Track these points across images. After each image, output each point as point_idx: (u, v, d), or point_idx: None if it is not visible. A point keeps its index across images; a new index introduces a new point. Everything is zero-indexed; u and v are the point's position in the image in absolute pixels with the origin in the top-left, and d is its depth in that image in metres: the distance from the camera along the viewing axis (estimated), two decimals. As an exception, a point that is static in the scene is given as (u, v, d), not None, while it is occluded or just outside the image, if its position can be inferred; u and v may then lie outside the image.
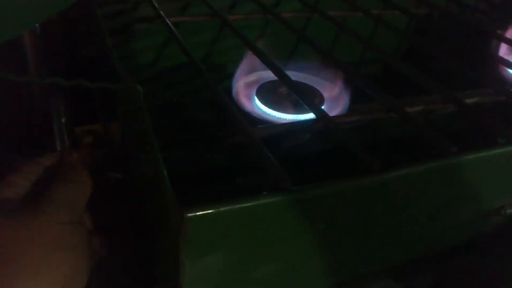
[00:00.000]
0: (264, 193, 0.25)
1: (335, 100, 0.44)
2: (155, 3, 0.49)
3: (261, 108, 0.43)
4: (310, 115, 0.41)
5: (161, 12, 0.47)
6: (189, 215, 0.23)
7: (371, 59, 0.68)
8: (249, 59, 0.46)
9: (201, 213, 0.23)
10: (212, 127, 0.34)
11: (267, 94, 0.44)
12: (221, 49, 0.59)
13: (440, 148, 0.30)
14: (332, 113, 0.42)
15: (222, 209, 0.24)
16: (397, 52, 0.70)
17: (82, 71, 0.56)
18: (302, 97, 0.36)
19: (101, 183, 0.35)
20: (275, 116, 0.42)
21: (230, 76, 0.46)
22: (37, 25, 0.52)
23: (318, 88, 0.46)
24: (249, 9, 0.56)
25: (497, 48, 0.55)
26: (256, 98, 0.43)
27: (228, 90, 0.44)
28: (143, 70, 0.56)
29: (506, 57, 0.57)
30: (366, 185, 0.27)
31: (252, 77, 0.46)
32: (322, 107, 0.43)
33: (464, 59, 0.55)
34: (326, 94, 0.45)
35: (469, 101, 0.40)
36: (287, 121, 0.41)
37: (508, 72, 0.52)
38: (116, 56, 0.52)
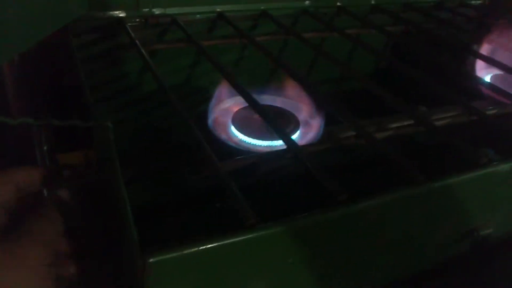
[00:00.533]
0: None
1: (310, 124, 0.44)
2: (131, 32, 0.49)
3: (237, 135, 0.43)
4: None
5: (136, 41, 0.47)
6: (151, 260, 0.23)
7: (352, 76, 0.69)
8: (225, 85, 0.46)
9: (163, 257, 0.23)
10: (191, 152, 0.34)
11: (244, 120, 0.44)
12: (201, 72, 0.59)
13: (408, 177, 0.31)
14: (307, 137, 0.43)
15: (186, 251, 0.24)
16: (377, 69, 0.71)
17: (62, 99, 0.56)
18: (273, 124, 0.37)
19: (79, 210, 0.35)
20: (251, 144, 0.42)
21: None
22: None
23: (295, 112, 0.46)
24: (227, 31, 0.56)
25: (472, 64, 0.56)
26: (232, 125, 0.44)
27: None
28: (125, 93, 0.56)
29: (483, 72, 0.58)
30: (333, 217, 0.28)
31: (229, 103, 0.46)
32: (297, 133, 0.43)
33: (440, 76, 0.56)
34: (301, 118, 0.45)
35: (439, 122, 0.41)
36: (260, 150, 0.41)
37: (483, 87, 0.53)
38: (95, 83, 0.53)
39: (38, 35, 0.44)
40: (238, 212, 0.27)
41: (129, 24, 0.51)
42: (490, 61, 0.53)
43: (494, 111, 0.43)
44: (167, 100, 0.39)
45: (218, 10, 0.57)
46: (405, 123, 0.40)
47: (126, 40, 0.49)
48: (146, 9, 0.53)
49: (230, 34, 0.55)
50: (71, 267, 0.32)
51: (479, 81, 0.53)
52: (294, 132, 0.43)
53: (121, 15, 0.52)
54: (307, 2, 0.62)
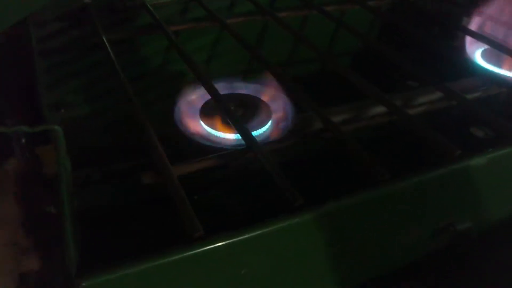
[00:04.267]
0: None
1: (282, 114, 0.42)
2: (96, 20, 0.47)
3: (205, 128, 0.41)
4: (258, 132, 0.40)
5: (100, 30, 0.45)
6: (84, 284, 0.22)
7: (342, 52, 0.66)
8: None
9: (97, 281, 0.22)
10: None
11: (212, 112, 0.42)
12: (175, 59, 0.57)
13: (372, 175, 0.29)
14: (279, 128, 0.40)
15: (123, 272, 0.23)
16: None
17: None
18: (232, 117, 0.34)
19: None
20: (219, 137, 0.40)
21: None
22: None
23: (269, 101, 0.44)
24: (202, 13, 0.53)
25: (462, 40, 0.53)
26: (200, 117, 0.42)
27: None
28: (95, 85, 0.54)
29: (474, 46, 0.55)
30: (284, 227, 0.26)
31: (196, 94, 0.44)
32: (267, 124, 0.41)
33: (430, 53, 0.53)
34: (274, 108, 0.43)
35: (416, 109, 0.39)
36: (231, 143, 0.39)
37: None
38: (63, 75, 0.51)
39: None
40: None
41: (95, 10, 0.49)
42: (479, 37, 0.50)
43: (477, 94, 0.40)
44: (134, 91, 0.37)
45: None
46: (378, 110, 0.38)
47: (91, 28, 0.47)
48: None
49: (203, 16, 0.53)
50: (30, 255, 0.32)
51: (468, 57, 0.51)
52: (264, 123, 0.41)
53: (86, 1, 0.50)
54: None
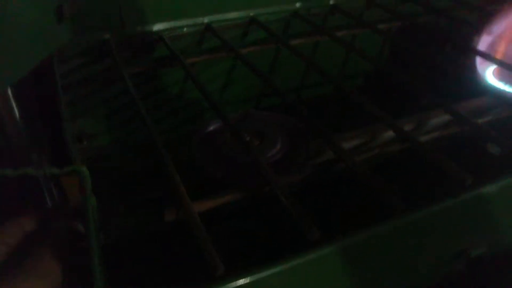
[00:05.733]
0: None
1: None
2: (116, 54, 0.49)
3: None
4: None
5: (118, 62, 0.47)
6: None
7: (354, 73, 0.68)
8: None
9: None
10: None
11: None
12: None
13: (387, 206, 0.30)
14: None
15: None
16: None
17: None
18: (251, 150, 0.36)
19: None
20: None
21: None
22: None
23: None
24: (217, 42, 0.55)
25: (473, 59, 0.54)
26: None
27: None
28: (121, 113, 0.56)
29: (484, 65, 0.55)
30: (301, 263, 0.27)
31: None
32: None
33: (440, 72, 0.54)
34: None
35: (426, 136, 0.39)
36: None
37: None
38: (86, 106, 0.53)
39: (27, 66, 0.44)
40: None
41: (115, 44, 0.51)
42: (487, 56, 0.50)
43: (487, 118, 0.41)
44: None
45: (205, 21, 0.56)
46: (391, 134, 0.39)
47: (111, 62, 0.49)
48: (132, 28, 0.53)
49: (218, 46, 0.54)
50: None
51: (479, 76, 0.52)
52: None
53: (106, 36, 0.52)
54: (297, 4, 0.60)
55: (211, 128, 0.45)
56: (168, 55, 0.51)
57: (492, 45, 0.55)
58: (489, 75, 0.53)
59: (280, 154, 0.42)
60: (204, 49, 0.56)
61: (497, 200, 0.32)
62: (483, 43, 0.55)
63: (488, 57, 0.50)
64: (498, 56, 0.54)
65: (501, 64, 0.49)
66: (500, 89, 0.51)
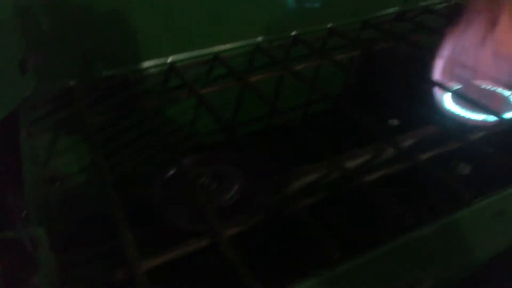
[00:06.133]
0: None
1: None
2: (81, 99, 0.50)
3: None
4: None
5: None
6: None
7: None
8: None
9: None
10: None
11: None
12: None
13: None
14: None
15: None
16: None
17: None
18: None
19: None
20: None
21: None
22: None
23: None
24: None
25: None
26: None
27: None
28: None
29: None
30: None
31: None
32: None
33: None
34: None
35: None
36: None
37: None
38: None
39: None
40: None
41: (80, 91, 0.53)
42: (440, 85, 0.52)
43: (431, 153, 0.42)
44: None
45: (169, 61, 0.58)
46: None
47: (76, 107, 0.50)
48: (97, 73, 0.54)
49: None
50: None
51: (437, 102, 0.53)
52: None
53: (71, 83, 0.53)
54: (259, 38, 0.62)
55: (172, 171, 0.46)
56: (134, 95, 0.53)
57: (446, 69, 0.56)
58: (447, 100, 0.54)
59: (238, 195, 0.44)
60: (169, 87, 0.58)
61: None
62: (438, 68, 0.57)
63: (441, 85, 0.52)
64: (453, 79, 0.56)
65: (452, 91, 0.50)
66: (457, 114, 0.53)
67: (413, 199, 0.45)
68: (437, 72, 0.57)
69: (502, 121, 0.44)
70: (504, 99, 0.52)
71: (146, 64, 0.57)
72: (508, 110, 0.50)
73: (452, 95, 0.53)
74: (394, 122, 0.63)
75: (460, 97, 0.51)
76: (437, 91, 0.55)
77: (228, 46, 0.60)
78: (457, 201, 0.34)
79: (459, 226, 0.34)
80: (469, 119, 0.50)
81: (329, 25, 0.66)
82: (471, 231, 0.35)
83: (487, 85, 0.54)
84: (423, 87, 0.56)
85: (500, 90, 0.52)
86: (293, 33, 0.64)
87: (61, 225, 0.50)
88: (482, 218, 0.35)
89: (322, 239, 0.31)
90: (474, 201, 0.33)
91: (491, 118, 0.46)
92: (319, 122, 0.66)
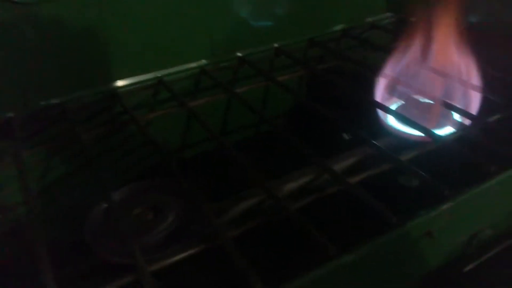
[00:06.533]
0: None
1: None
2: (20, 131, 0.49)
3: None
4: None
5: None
6: None
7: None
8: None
9: None
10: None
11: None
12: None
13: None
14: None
15: None
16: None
17: None
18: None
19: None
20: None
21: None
22: None
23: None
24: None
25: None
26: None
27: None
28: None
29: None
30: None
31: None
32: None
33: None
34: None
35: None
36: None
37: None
38: None
39: None
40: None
41: (18, 122, 0.52)
42: (380, 106, 0.52)
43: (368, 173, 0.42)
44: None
45: (112, 88, 0.57)
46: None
47: (11, 139, 0.49)
48: (35, 103, 0.53)
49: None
50: None
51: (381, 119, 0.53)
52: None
53: (9, 114, 0.52)
54: (203, 61, 0.62)
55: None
56: (71, 126, 0.52)
57: (389, 86, 0.57)
58: (389, 117, 0.55)
59: (174, 224, 0.43)
60: (113, 114, 0.57)
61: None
62: (381, 85, 0.57)
63: (380, 105, 0.52)
64: (395, 95, 0.57)
65: (391, 110, 0.51)
66: (400, 130, 0.53)
67: (348, 220, 0.46)
68: (380, 89, 0.57)
69: (435, 139, 0.44)
70: (444, 113, 0.53)
71: (86, 92, 0.56)
72: (446, 124, 0.51)
73: (392, 113, 0.53)
74: (347, 136, 0.64)
75: (398, 115, 0.51)
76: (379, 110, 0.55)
77: (172, 70, 0.60)
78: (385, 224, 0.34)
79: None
80: (410, 135, 0.51)
81: (275, 45, 0.66)
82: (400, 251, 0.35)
83: (427, 100, 0.55)
84: (366, 105, 0.56)
85: (439, 104, 0.53)
86: (239, 54, 0.64)
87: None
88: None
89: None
90: (400, 224, 0.33)
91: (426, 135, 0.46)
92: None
